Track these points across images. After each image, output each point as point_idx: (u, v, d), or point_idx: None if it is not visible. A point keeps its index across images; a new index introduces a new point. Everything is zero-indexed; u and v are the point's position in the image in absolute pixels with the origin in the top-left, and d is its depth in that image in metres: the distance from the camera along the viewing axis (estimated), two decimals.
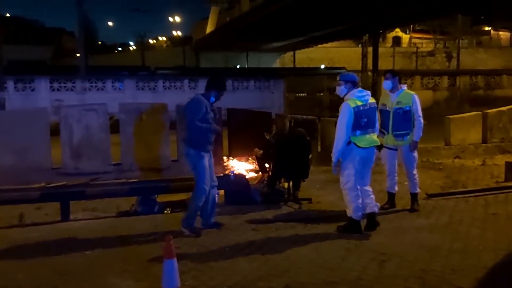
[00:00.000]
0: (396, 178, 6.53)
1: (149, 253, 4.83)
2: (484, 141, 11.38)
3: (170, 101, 10.33)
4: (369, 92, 5.57)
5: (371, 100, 5.52)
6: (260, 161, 7.97)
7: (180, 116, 8.15)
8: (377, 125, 5.73)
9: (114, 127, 9.81)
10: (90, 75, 25.49)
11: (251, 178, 7.92)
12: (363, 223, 5.52)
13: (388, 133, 6.29)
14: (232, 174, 6.99)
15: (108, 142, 8.89)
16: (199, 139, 5.56)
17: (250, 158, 9.58)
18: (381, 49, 47.02)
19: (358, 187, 5.45)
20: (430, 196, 7.23)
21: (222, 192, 7.01)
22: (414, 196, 6.53)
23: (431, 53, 66.14)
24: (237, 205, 6.76)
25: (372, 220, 5.53)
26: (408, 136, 6.29)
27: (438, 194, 7.38)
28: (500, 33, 75.13)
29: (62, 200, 6.23)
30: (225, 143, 10.15)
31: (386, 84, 6.39)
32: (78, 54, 30.21)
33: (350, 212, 5.47)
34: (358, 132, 5.35)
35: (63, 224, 6.16)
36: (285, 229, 5.71)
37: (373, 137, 5.51)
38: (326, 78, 29.73)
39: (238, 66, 51.24)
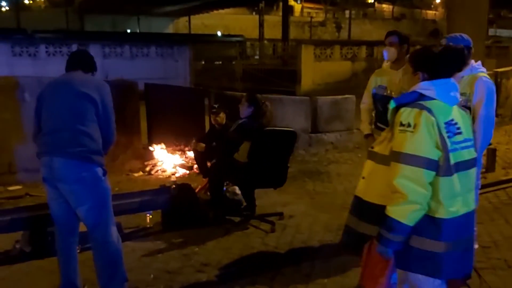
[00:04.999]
0: None
1: None
2: None
3: (56, 70, 7.59)
4: None
5: None
6: (201, 159, 5.84)
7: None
8: None
9: None
10: None
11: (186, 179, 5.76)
12: None
13: None
14: (174, 185, 4.72)
15: None
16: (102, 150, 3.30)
17: (180, 149, 7.35)
18: (275, 18, 46.20)
19: None
20: None
21: (157, 211, 4.79)
22: None
23: (322, 23, 67.15)
24: (181, 231, 4.61)
25: None
26: None
27: None
28: (383, 5, 78.68)
29: None
30: (143, 125, 7.71)
31: (388, 54, 4.24)
32: None
33: None
34: None
35: None
36: (267, 282, 3.72)
37: None
38: (238, 46, 27.34)
39: (128, 31, 47.05)
